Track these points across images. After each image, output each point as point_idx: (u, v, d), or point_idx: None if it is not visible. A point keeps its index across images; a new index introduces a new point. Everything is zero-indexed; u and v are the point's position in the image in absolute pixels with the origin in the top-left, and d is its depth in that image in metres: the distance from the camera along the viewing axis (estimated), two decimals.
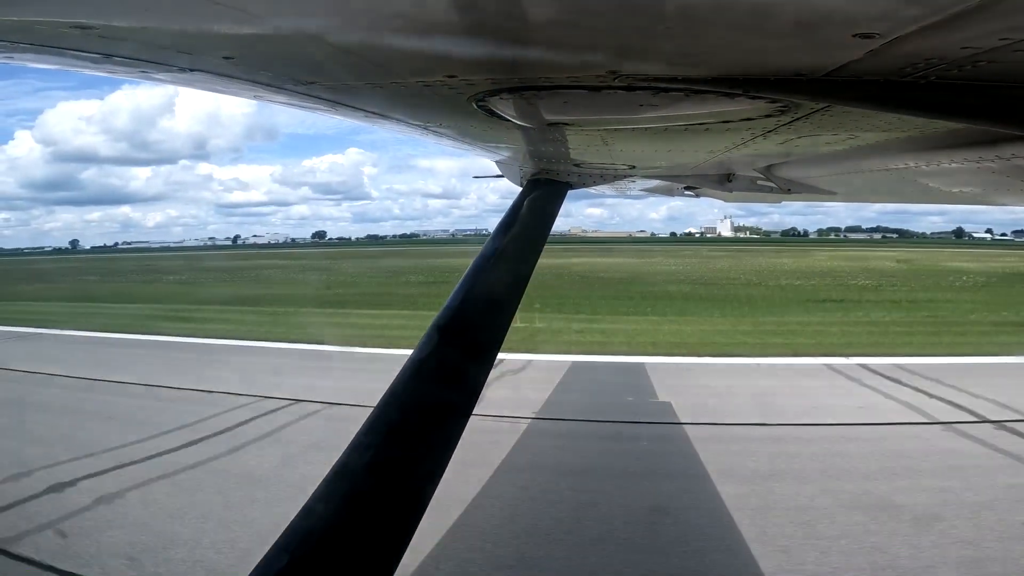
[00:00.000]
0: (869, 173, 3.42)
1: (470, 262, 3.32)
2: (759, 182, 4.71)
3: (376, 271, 57.16)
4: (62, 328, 20.95)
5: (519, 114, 1.95)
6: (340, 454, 2.37)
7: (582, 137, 2.69)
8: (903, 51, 1.16)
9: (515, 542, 6.20)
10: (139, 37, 1.31)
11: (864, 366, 13.10)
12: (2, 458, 8.35)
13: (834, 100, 1.52)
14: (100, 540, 6.21)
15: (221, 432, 9.56)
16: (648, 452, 8.70)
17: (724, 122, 1.99)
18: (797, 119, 1.93)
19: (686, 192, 6.54)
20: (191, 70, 1.57)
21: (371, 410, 2.55)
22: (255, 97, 2.00)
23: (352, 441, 2.40)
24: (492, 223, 4.38)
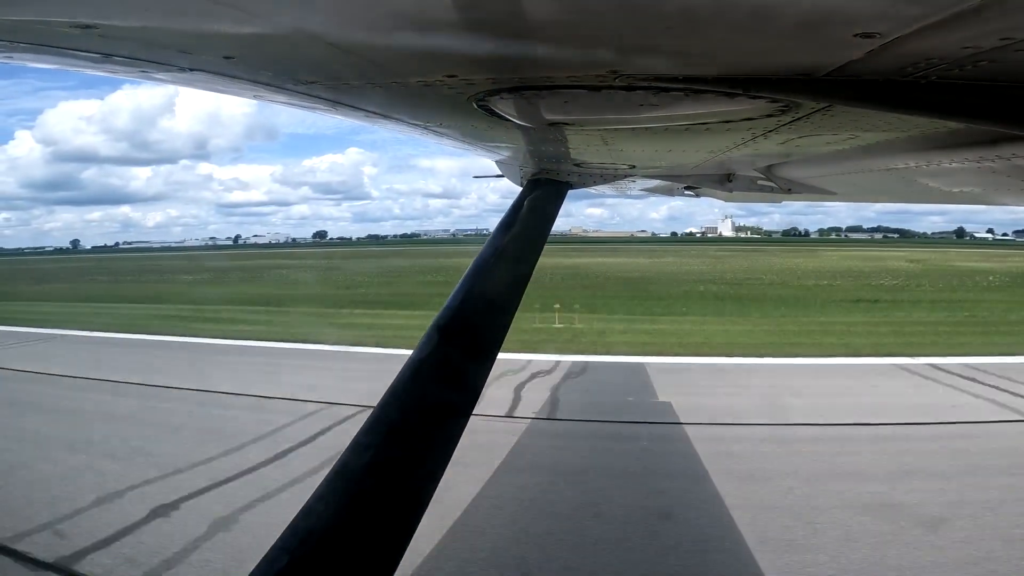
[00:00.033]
0: (870, 173, 3.41)
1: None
2: (759, 182, 4.70)
3: (389, 271, 57.08)
4: (95, 330, 20.51)
5: (519, 114, 1.95)
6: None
7: (582, 137, 2.69)
8: (904, 51, 1.16)
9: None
10: (139, 37, 1.31)
11: (935, 366, 13.16)
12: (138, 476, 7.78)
13: (835, 100, 1.52)
14: None
15: (306, 442, 9.03)
16: (819, 453, 8.53)
17: (724, 122, 1.99)
18: (798, 119, 1.92)
19: (686, 192, 6.53)
20: (191, 70, 1.57)
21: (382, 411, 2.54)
22: (255, 97, 1.99)
23: (352, 441, 2.40)
24: (492, 223, 4.38)
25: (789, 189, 4.66)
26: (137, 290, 42.43)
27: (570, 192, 4.53)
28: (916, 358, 14.03)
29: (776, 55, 1.30)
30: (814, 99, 1.56)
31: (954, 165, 2.51)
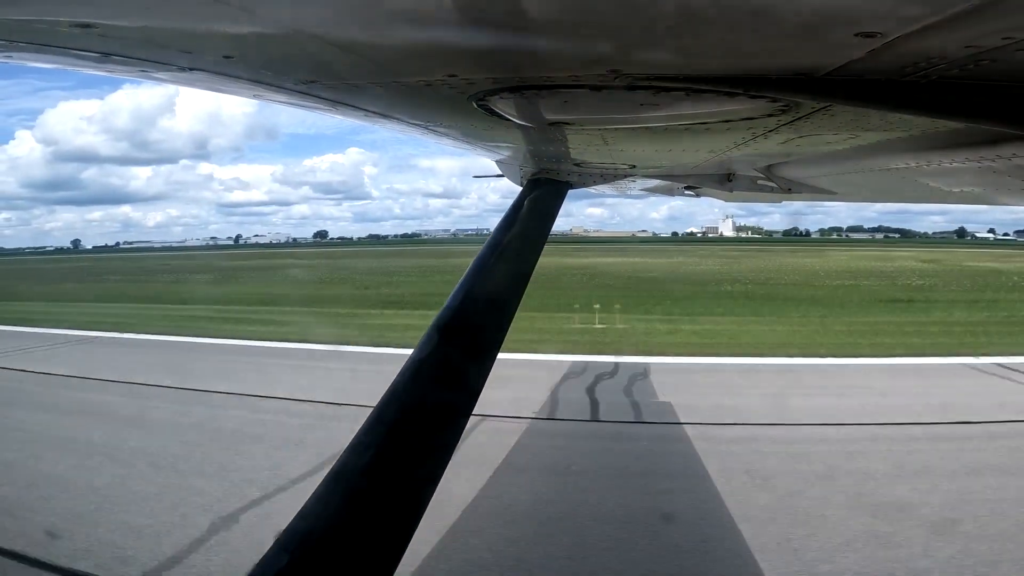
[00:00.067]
0: (870, 173, 3.41)
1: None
2: (759, 182, 4.70)
3: (405, 270, 56.46)
4: (132, 332, 19.64)
5: (520, 113, 1.95)
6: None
7: (582, 136, 2.69)
8: (905, 50, 1.16)
9: None
10: (139, 36, 1.31)
11: (1003, 365, 13.11)
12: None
13: (835, 100, 1.52)
14: None
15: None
16: (957, 451, 8.46)
17: (725, 121, 1.98)
18: (798, 118, 1.92)
19: (686, 192, 6.53)
20: (191, 69, 1.57)
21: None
22: (255, 96, 1.99)
23: (352, 441, 2.39)
24: (492, 223, 4.37)
25: (789, 189, 4.66)
26: (155, 290, 41.58)
27: (570, 192, 4.53)
28: (980, 357, 13.94)
29: (777, 55, 1.30)
30: (815, 99, 1.55)
31: (954, 165, 2.51)
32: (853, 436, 9.09)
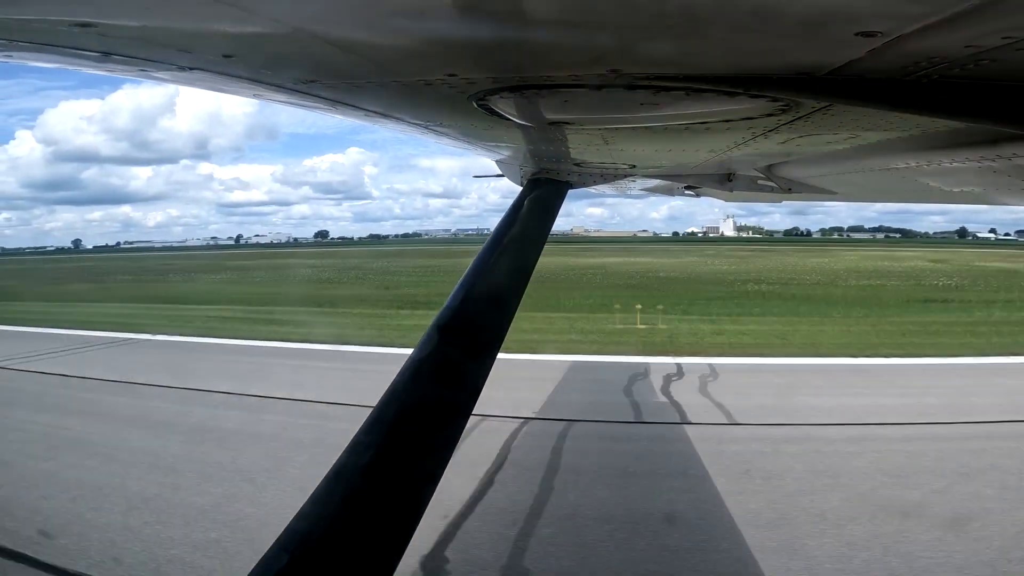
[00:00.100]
0: (870, 173, 3.41)
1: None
2: (760, 182, 4.70)
3: (421, 270, 55.90)
4: (163, 333, 19.13)
5: (520, 113, 1.95)
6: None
7: (582, 136, 2.68)
8: (905, 50, 1.16)
9: None
10: (139, 35, 1.31)
11: None
12: None
13: (836, 99, 1.51)
14: None
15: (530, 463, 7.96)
16: None
17: (725, 121, 1.98)
18: (798, 118, 1.92)
19: (686, 192, 6.53)
20: (191, 68, 1.57)
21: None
22: (255, 96, 1.99)
23: (351, 441, 2.39)
24: (493, 222, 4.36)
25: (789, 189, 4.66)
26: (175, 291, 40.94)
27: (570, 191, 4.53)
28: None
29: (777, 54, 1.30)
30: (815, 98, 1.55)
31: (955, 165, 2.51)
32: (984, 433, 9.03)
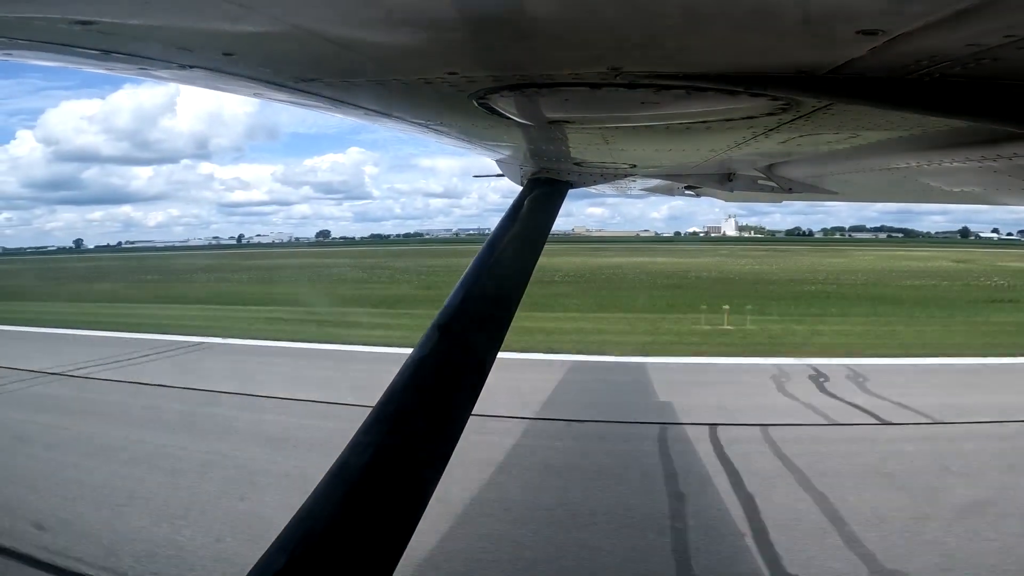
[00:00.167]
0: (871, 172, 3.40)
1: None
2: (760, 181, 4.70)
3: (446, 269, 54.43)
4: (232, 337, 18.52)
5: (520, 112, 1.94)
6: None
7: (583, 136, 2.68)
8: (907, 48, 1.15)
9: None
10: (139, 33, 1.31)
11: None
12: None
13: (837, 98, 1.51)
14: None
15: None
16: None
17: (725, 120, 1.98)
18: (799, 117, 1.92)
19: (687, 192, 6.53)
20: (191, 67, 1.57)
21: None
22: (255, 95, 1.99)
23: (352, 440, 2.39)
24: (493, 222, 4.35)
25: (790, 189, 4.65)
26: (215, 290, 39.71)
27: (570, 191, 4.53)
28: None
29: (778, 53, 1.30)
30: (816, 97, 1.55)
31: (955, 165, 2.51)
32: None
